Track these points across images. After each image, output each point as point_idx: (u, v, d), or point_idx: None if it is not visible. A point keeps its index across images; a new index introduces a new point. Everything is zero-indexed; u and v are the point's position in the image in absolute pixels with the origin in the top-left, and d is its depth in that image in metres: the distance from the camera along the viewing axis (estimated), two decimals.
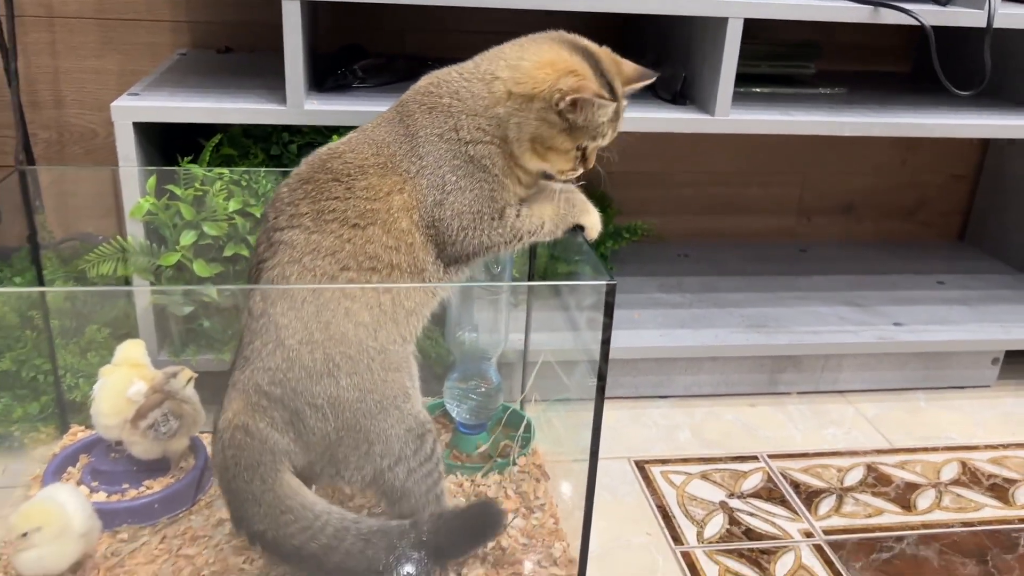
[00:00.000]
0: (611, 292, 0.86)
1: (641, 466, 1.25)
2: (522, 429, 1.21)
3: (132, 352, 1.11)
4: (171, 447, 1.09)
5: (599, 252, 1.58)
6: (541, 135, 0.87)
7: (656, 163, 1.71)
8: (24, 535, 0.90)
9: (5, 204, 1.31)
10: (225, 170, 1.16)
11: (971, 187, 1.85)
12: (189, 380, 1.09)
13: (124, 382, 1.08)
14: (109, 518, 1.02)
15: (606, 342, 0.88)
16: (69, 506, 0.94)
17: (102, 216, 1.53)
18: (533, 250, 1.26)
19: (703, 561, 1.07)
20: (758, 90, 1.39)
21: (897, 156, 1.80)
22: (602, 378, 0.89)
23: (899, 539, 1.12)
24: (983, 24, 1.22)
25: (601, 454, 1.28)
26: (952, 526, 1.15)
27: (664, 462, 1.26)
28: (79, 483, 1.09)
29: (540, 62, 0.86)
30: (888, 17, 1.21)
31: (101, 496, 1.07)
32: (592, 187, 1.72)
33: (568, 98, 0.84)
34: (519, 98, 0.86)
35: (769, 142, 1.73)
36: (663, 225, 1.76)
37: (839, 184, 1.81)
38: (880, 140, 1.77)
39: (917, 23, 1.21)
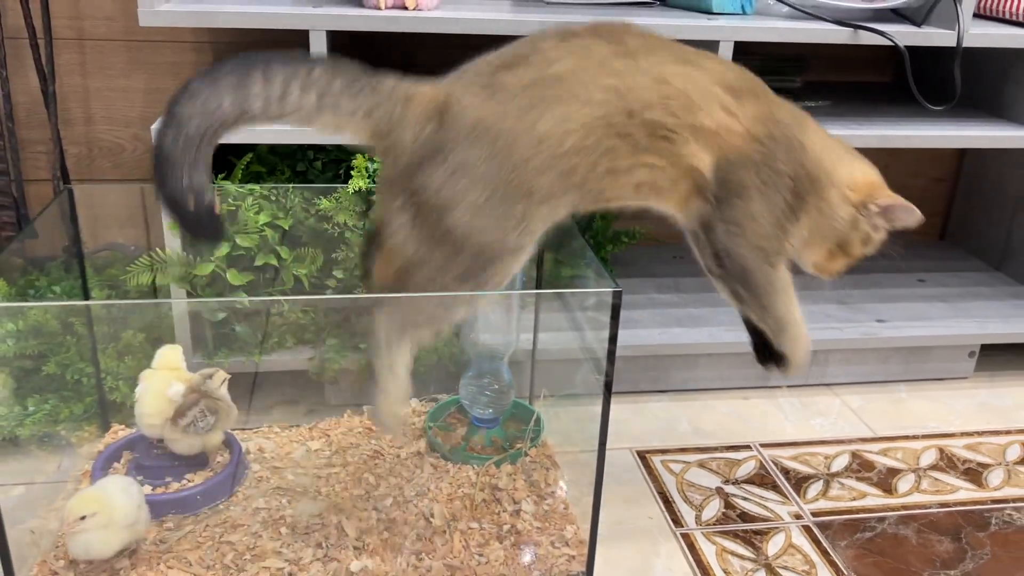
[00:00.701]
0: (618, 297, 0.95)
1: (642, 455, 1.34)
2: (532, 423, 1.30)
3: (170, 357, 1.19)
4: (208, 442, 1.18)
5: (600, 256, 1.67)
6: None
7: None
8: (82, 518, 0.99)
9: (39, 219, 1.40)
10: (256, 186, 1.25)
11: (951, 189, 1.95)
12: (223, 381, 1.18)
13: (164, 385, 1.16)
14: (155, 509, 1.11)
15: (613, 340, 0.96)
16: (116, 498, 1.02)
17: (130, 227, 1.62)
18: (540, 257, 1.35)
19: (702, 541, 1.16)
20: None
21: (880, 161, 1.89)
22: (609, 377, 0.98)
23: (881, 519, 1.22)
24: (954, 44, 1.32)
25: (610, 446, 1.38)
26: (930, 507, 1.25)
27: (664, 452, 1.36)
28: None
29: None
30: (867, 39, 1.30)
31: (146, 489, 1.16)
32: None
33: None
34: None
35: None
36: (660, 229, 1.85)
37: None
38: (862, 147, 1.86)
39: (893, 44, 1.30)
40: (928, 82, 1.39)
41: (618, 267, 1.73)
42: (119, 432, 1.29)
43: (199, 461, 1.20)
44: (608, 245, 1.67)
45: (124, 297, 1.36)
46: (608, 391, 0.99)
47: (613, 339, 0.96)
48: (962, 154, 1.91)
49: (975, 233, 1.89)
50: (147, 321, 1.34)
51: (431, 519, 1.13)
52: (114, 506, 1.01)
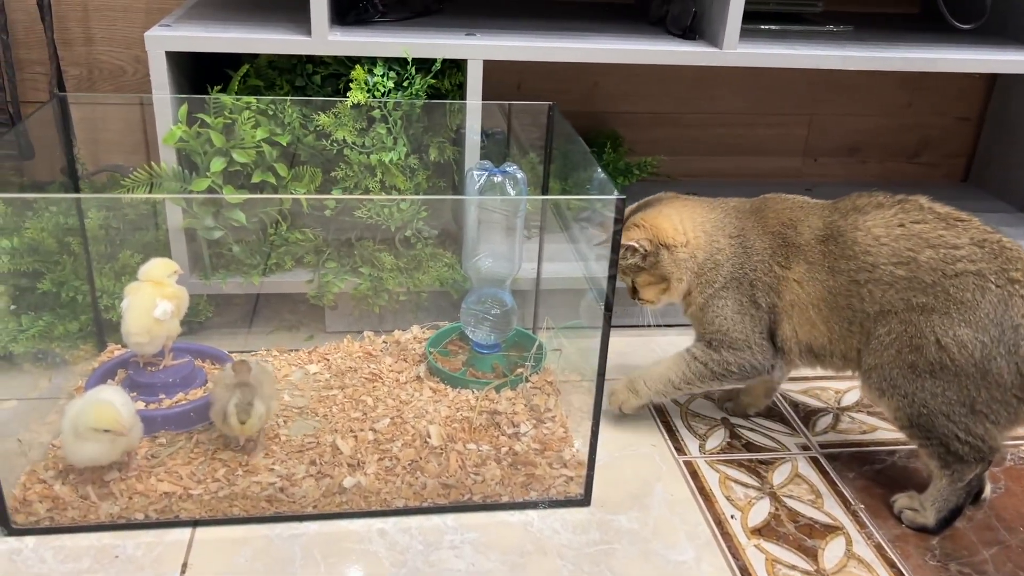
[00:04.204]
0: (620, 208, 0.91)
1: None
2: (534, 350, 1.27)
3: (156, 271, 1.14)
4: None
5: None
6: None
7: (666, 104, 1.75)
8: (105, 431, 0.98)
9: (38, 139, 1.37)
10: (253, 99, 1.21)
11: (976, 129, 1.88)
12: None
13: (149, 302, 1.12)
14: (149, 425, 1.09)
15: (616, 248, 0.92)
16: (120, 409, 1.00)
17: (132, 150, 1.59)
18: (546, 183, 1.31)
19: (704, 468, 1.13)
20: (765, 27, 1.42)
21: (903, 98, 1.83)
22: (613, 279, 0.94)
23: (891, 453, 1.19)
24: None
25: (611, 376, 1.34)
26: None
27: None
28: None
29: None
30: None
31: (140, 405, 1.14)
32: (602, 126, 1.75)
33: None
34: None
35: (776, 84, 1.76)
36: (674, 165, 1.80)
37: (845, 126, 1.84)
38: (886, 82, 1.80)
39: None
40: (956, 8, 1.32)
41: (629, 200, 1.68)
42: (115, 351, 1.27)
43: (193, 380, 1.17)
44: (619, 177, 1.62)
45: (123, 218, 1.34)
46: (612, 282, 0.94)
47: (616, 247, 0.92)
48: (988, 93, 1.84)
49: (1000, 174, 1.82)
50: (143, 241, 1.32)
51: (428, 439, 1.10)
52: (120, 416, 0.99)
